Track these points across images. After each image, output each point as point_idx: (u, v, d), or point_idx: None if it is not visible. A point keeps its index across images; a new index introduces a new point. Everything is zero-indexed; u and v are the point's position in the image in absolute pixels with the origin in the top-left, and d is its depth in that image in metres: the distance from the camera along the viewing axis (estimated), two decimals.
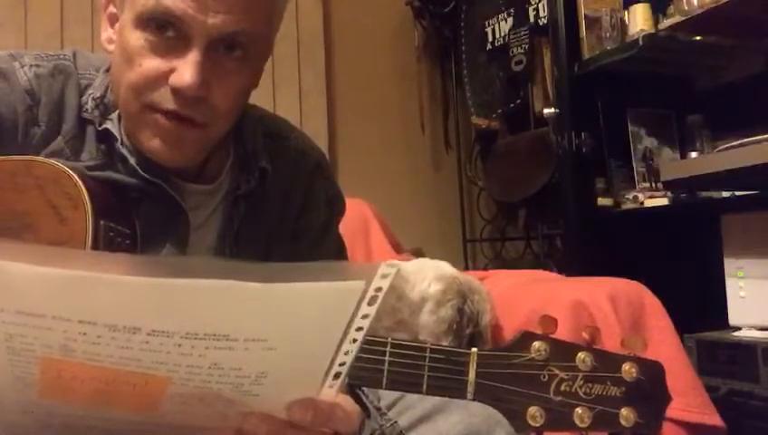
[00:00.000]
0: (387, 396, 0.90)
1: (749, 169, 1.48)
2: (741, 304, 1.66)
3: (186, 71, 0.73)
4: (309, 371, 0.52)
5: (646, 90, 2.08)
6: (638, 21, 1.89)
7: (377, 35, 2.82)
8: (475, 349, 0.67)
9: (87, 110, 0.82)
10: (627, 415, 0.66)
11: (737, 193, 1.78)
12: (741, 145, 1.53)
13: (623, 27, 1.96)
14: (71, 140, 0.81)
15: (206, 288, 0.42)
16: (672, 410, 1.19)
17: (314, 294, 0.45)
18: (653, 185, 2.00)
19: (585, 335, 0.68)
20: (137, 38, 0.74)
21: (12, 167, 0.73)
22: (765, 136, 1.47)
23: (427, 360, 0.67)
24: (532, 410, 0.66)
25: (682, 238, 1.91)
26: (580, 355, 0.67)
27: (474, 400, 0.67)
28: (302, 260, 0.45)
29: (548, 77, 2.32)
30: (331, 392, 0.54)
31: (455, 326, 1.41)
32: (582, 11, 2.00)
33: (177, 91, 0.74)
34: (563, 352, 0.67)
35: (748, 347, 1.55)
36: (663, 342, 1.39)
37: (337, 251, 0.99)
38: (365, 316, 0.48)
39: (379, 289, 0.46)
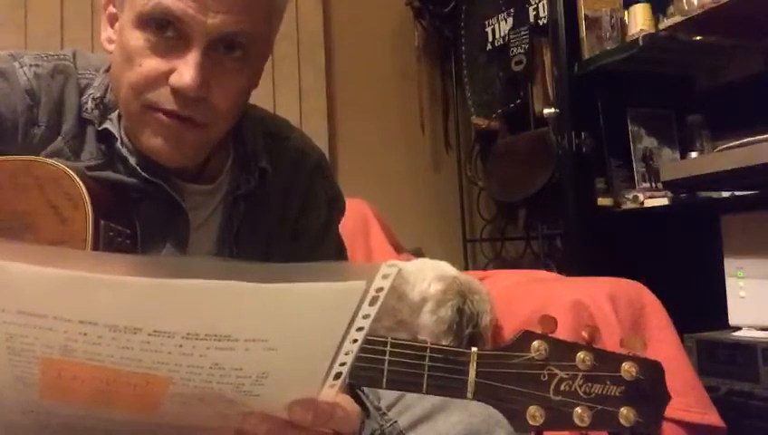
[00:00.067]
0: (387, 396, 0.90)
1: (749, 169, 1.48)
2: (741, 304, 1.66)
3: (186, 71, 0.73)
4: (310, 371, 0.52)
5: (646, 90, 2.08)
6: (638, 21, 1.89)
7: (377, 35, 2.82)
8: (474, 348, 0.67)
9: (87, 110, 0.82)
10: (626, 414, 0.66)
11: (737, 193, 1.78)
12: (741, 145, 1.53)
13: (623, 27, 1.96)
14: (71, 140, 0.81)
15: (207, 288, 0.42)
16: (672, 410, 1.20)
17: (315, 294, 0.45)
18: (653, 185, 2.00)
19: (585, 335, 0.68)
20: (137, 38, 0.74)
21: (12, 167, 0.73)
22: (765, 136, 1.47)
23: (427, 359, 0.67)
24: (532, 409, 0.66)
25: (682, 238, 1.91)
26: (580, 355, 0.67)
27: (473, 399, 0.67)
28: (302, 260, 0.45)
29: (548, 77, 2.32)
30: (331, 392, 0.54)
31: (455, 326, 1.41)
32: (582, 11, 2.00)
33: (177, 92, 0.74)
34: (563, 351, 0.67)
35: (748, 347, 1.55)
36: (663, 341, 1.39)
37: (337, 251, 0.99)
38: (366, 316, 0.48)
39: (380, 289, 0.46)
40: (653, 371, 0.68)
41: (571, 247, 2.06)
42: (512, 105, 2.53)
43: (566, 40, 2.01)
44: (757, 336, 1.58)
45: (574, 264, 1.97)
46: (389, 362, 0.67)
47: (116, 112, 0.82)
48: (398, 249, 2.10)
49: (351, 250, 1.17)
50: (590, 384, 0.67)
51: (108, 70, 0.84)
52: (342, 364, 0.51)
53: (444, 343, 1.31)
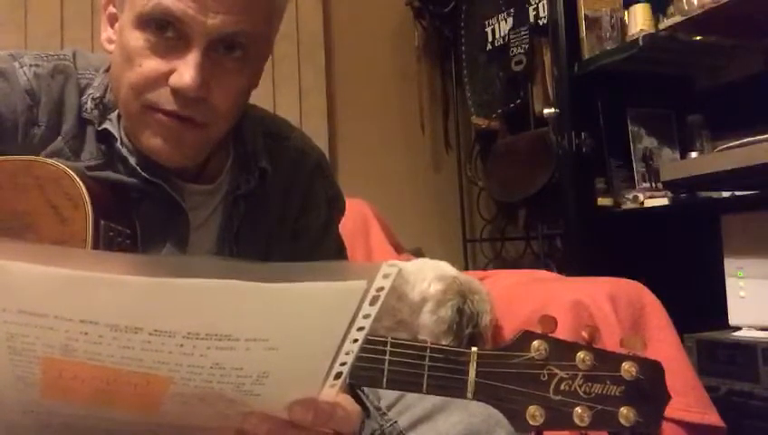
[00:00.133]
0: (387, 396, 0.90)
1: (749, 169, 1.48)
2: (741, 304, 1.66)
3: (185, 71, 0.73)
4: (310, 370, 0.52)
5: (646, 90, 2.08)
6: (638, 21, 1.89)
7: (377, 35, 2.82)
8: (474, 348, 0.67)
9: (87, 110, 0.82)
10: (626, 414, 0.66)
11: (737, 193, 1.78)
12: (741, 145, 1.53)
13: (623, 27, 1.96)
14: (70, 140, 0.81)
15: (208, 288, 0.43)
16: (672, 410, 1.20)
17: (316, 294, 0.45)
18: (653, 185, 2.00)
19: (584, 335, 0.68)
20: (137, 38, 0.74)
21: (12, 167, 0.73)
22: (765, 136, 1.47)
23: (427, 359, 0.67)
24: (532, 409, 0.66)
25: (682, 238, 1.91)
26: (580, 355, 0.67)
27: (473, 399, 0.67)
28: (302, 260, 0.45)
29: (548, 77, 2.32)
30: (332, 392, 0.54)
31: (454, 326, 1.41)
32: (582, 11, 2.00)
33: (177, 92, 0.74)
34: (563, 351, 0.67)
35: (748, 347, 1.55)
36: (663, 341, 1.39)
37: (337, 251, 0.99)
38: (367, 316, 0.48)
39: (380, 289, 0.46)
40: (653, 370, 0.68)
41: (571, 247, 2.06)
42: (512, 105, 2.53)
43: (566, 40, 2.01)
44: (757, 336, 1.58)
45: (574, 264, 1.97)
46: (390, 362, 0.67)
47: (116, 112, 0.82)
48: (398, 249, 2.10)
49: (351, 250, 1.17)
50: (590, 384, 0.67)
51: (108, 70, 0.84)
52: (343, 364, 0.51)
53: (444, 342, 1.31)
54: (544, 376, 0.67)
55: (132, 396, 0.50)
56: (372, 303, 0.47)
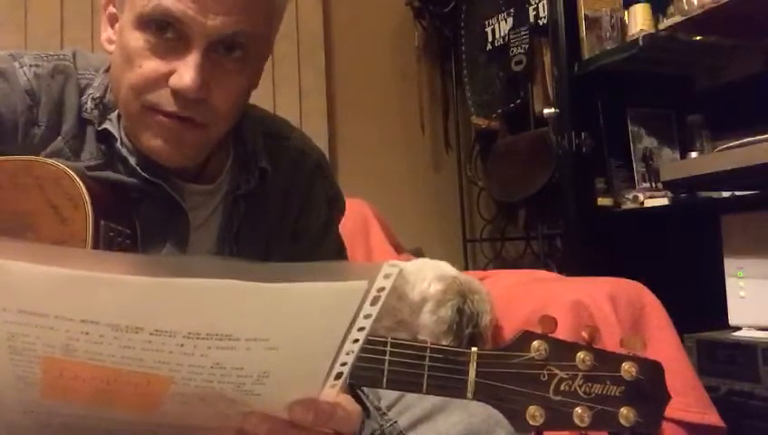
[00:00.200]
0: (387, 396, 0.90)
1: (749, 169, 1.48)
2: (741, 304, 1.66)
3: (185, 72, 0.73)
4: (311, 370, 0.52)
5: (646, 90, 2.08)
6: (638, 21, 1.89)
7: (377, 35, 2.82)
8: (474, 348, 0.67)
9: (87, 110, 0.82)
10: (626, 414, 0.66)
11: (737, 193, 1.78)
12: (741, 145, 1.53)
13: (623, 27, 1.96)
14: (70, 141, 0.81)
15: (208, 288, 0.43)
16: (672, 410, 1.20)
17: (317, 293, 0.45)
18: (653, 185, 2.00)
19: (584, 335, 0.68)
20: (137, 39, 0.74)
21: (12, 167, 0.73)
22: (765, 136, 1.47)
23: (427, 359, 0.67)
24: (532, 409, 0.66)
25: (682, 238, 1.91)
26: (580, 355, 0.67)
27: (473, 399, 0.67)
28: (302, 260, 0.45)
29: (548, 77, 2.32)
30: (332, 392, 0.54)
31: (454, 326, 1.41)
32: (582, 11, 2.00)
33: (177, 93, 0.74)
34: (563, 351, 0.67)
35: (748, 347, 1.55)
36: (663, 341, 1.39)
37: (337, 251, 0.99)
38: (367, 316, 0.48)
39: (381, 289, 0.46)
40: (653, 371, 0.68)
41: (571, 247, 2.06)
42: (512, 105, 2.53)
43: (566, 40, 2.01)
44: (757, 336, 1.58)
45: (574, 264, 1.97)
46: (390, 362, 0.67)
47: (116, 112, 0.82)
48: (398, 249, 2.10)
49: (351, 250, 1.17)
50: (590, 384, 0.67)
51: (108, 70, 0.84)
52: (343, 364, 0.51)
53: (444, 343, 1.31)
54: (544, 376, 0.67)
55: (133, 396, 0.50)
56: (373, 303, 0.47)
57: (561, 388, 0.67)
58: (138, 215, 0.80)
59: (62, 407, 0.52)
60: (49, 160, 0.74)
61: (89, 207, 0.71)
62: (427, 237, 2.60)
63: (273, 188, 0.91)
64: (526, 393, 0.66)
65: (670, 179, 1.73)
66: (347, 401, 0.58)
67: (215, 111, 0.77)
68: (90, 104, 0.82)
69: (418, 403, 0.88)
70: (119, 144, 0.81)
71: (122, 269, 0.42)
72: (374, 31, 2.81)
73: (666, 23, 1.83)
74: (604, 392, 0.67)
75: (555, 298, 1.44)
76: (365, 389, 0.85)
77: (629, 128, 2.06)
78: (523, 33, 2.44)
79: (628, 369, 0.67)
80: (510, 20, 2.53)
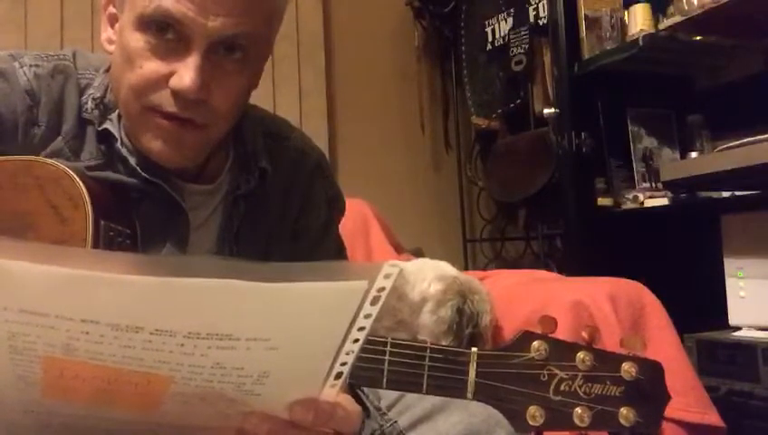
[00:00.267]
0: (387, 396, 0.90)
1: (749, 169, 1.48)
2: (741, 304, 1.66)
3: (186, 74, 0.73)
4: (311, 370, 0.52)
5: (646, 90, 2.08)
6: (638, 21, 1.89)
7: (377, 35, 2.82)
8: (474, 349, 0.67)
9: (87, 110, 0.82)
10: (626, 414, 0.66)
11: (737, 193, 1.78)
12: (741, 145, 1.53)
13: (623, 27, 1.96)
14: (71, 141, 0.81)
15: (209, 287, 0.43)
16: (672, 410, 1.20)
17: (317, 293, 0.45)
18: (653, 185, 2.00)
19: (584, 335, 0.68)
20: (137, 40, 0.74)
21: (12, 167, 0.73)
22: (765, 136, 1.47)
23: (427, 359, 0.67)
24: (532, 409, 0.66)
25: (682, 238, 1.91)
26: (580, 355, 0.67)
27: (473, 399, 0.67)
28: (302, 260, 0.45)
29: (548, 77, 2.32)
30: (332, 392, 0.54)
31: (454, 326, 1.41)
32: (582, 11, 2.00)
33: (177, 94, 0.74)
34: (563, 351, 0.67)
35: (748, 347, 1.55)
36: (663, 342, 1.39)
37: (337, 251, 0.99)
38: (368, 316, 0.48)
39: (381, 289, 0.46)
40: (653, 371, 0.68)
41: (571, 247, 2.06)
42: (512, 105, 2.53)
43: (566, 40, 2.01)
44: (757, 336, 1.58)
45: (574, 264, 1.97)
46: (389, 363, 0.67)
47: (116, 113, 0.82)
48: (398, 249, 2.10)
49: (351, 250, 1.17)
50: (589, 384, 0.67)
51: (108, 70, 0.84)
52: (344, 364, 0.51)
53: (444, 343, 1.31)
54: (544, 376, 0.67)
55: (133, 395, 0.50)
56: (373, 303, 0.47)
57: (561, 388, 0.67)
58: (138, 215, 0.80)
59: (62, 407, 0.52)
60: (49, 160, 0.75)
61: (89, 207, 0.71)
62: (427, 237, 2.60)
63: (273, 188, 0.91)
64: (526, 393, 0.66)
65: (670, 179, 1.73)
66: (347, 401, 0.58)
67: (215, 112, 0.77)
68: (90, 104, 0.82)
69: (418, 403, 0.88)
70: (119, 144, 0.81)
71: (122, 269, 0.42)
72: (374, 31, 2.81)
73: (666, 23, 1.84)
74: (604, 392, 0.67)
75: (555, 298, 1.44)
76: (365, 389, 0.85)
77: (629, 128, 2.06)
78: (523, 33, 2.44)
79: (628, 369, 0.67)
80: (510, 20, 2.53)
